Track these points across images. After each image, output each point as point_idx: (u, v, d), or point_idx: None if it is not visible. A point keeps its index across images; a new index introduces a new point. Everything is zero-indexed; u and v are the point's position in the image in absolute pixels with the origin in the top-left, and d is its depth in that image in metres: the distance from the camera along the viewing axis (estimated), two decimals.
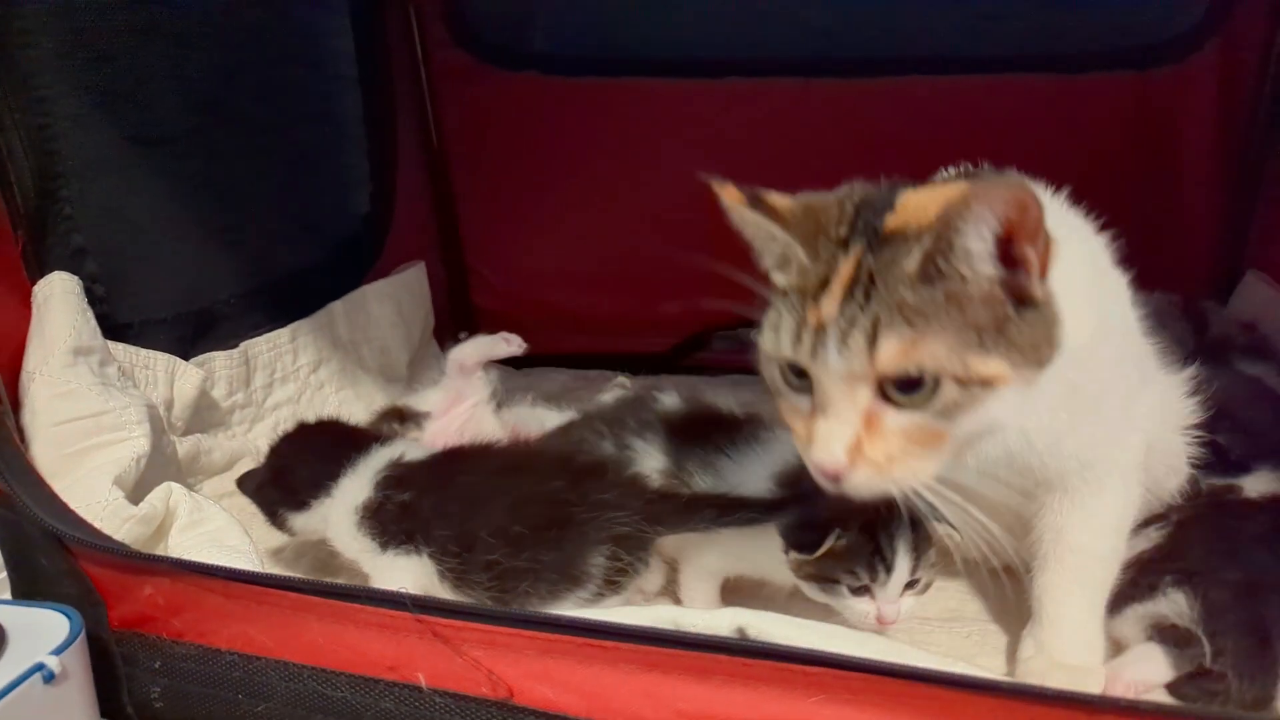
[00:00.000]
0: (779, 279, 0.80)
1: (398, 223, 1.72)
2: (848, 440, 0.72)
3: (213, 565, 0.84)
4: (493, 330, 1.86)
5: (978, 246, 0.71)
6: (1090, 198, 1.61)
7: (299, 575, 0.89)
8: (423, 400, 1.29)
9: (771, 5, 1.64)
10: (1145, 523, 1.02)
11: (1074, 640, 0.90)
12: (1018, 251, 0.72)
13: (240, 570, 0.84)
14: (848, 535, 0.87)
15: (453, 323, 1.87)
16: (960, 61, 1.60)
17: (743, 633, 0.77)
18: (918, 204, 0.75)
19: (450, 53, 1.72)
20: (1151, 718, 0.65)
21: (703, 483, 1.02)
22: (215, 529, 0.94)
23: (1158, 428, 0.96)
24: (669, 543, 1.02)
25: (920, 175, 1.64)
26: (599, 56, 1.73)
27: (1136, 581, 0.93)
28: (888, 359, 0.71)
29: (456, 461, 1.02)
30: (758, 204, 0.80)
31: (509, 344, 1.31)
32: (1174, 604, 0.90)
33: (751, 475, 0.99)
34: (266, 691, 0.81)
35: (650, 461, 1.05)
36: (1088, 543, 0.91)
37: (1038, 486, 0.90)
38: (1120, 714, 0.65)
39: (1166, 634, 0.89)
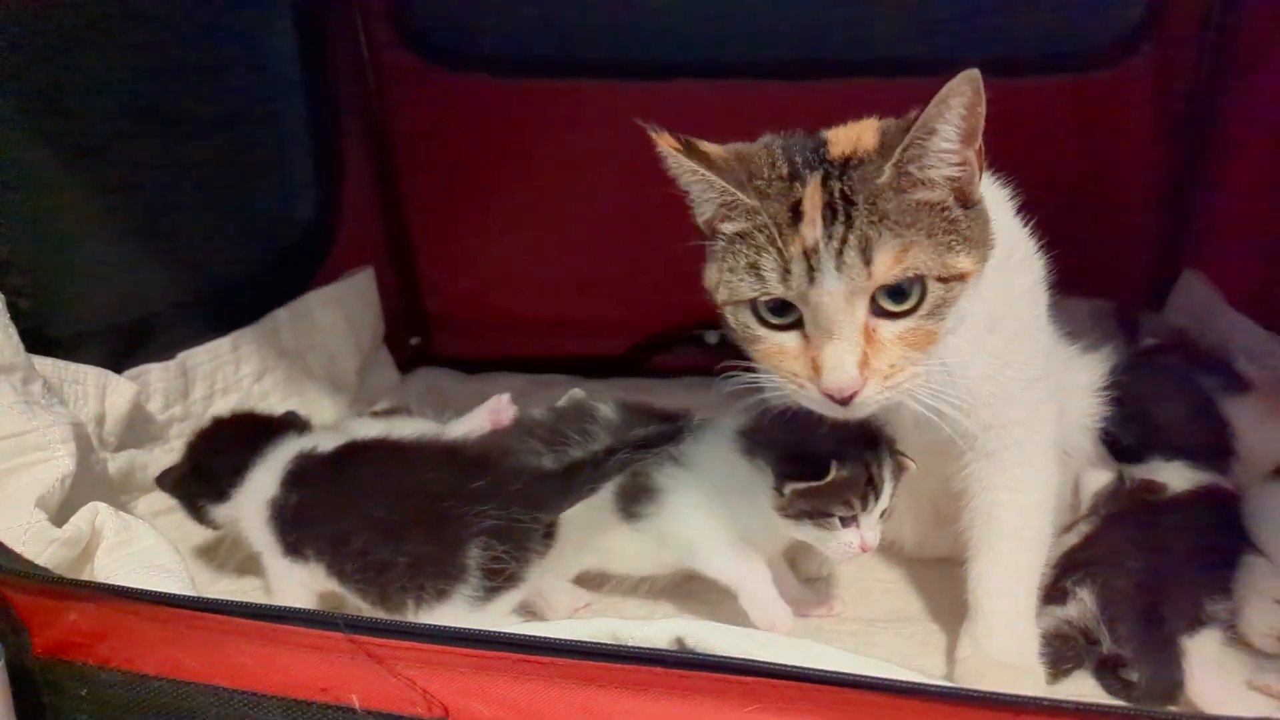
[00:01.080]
0: (727, 227, 0.83)
1: (345, 227, 1.69)
2: (858, 357, 0.77)
3: (140, 589, 0.82)
4: (445, 335, 1.88)
5: (947, 146, 0.78)
6: (1034, 199, 1.64)
7: (227, 598, 0.87)
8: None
9: (721, 8, 1.64)
10: (1075, 522, 1.04)
11: (1009, 637, 0.92)
12: (965, 152, 0.79)
13: (167, 594, 0.81)
14: (847, 466, 0.90)
15: (404, 328, 1.85)
16: (907, 64, 1.60)
17: (682, 643, 0.76)
18: (848, 136, 0.83)
19: (397, 54, 1.69)
20: (1074, 717, 0.65)
21: (663, 482, 1.00)
22: (144, 549, 0.91)
23: (1066, 393, 1.03)
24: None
25: None
26: (549, 58, 1.71)
27: (1056, 581, 0.96)
28: (884, 268, 0.76)
29: (353, 456, 1.01)
30: (693, 152, 0.83)
31: (498, 414, 1.16)
32: (1080, 604, 0.92)
33: (712, 453, 1.00)
34: (196, 717, 0.78)
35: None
36: (1018, 523, 0.94)
37: (963, 440, 0.93)
38: (1042, 713, 0.66)
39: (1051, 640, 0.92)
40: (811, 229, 0.77)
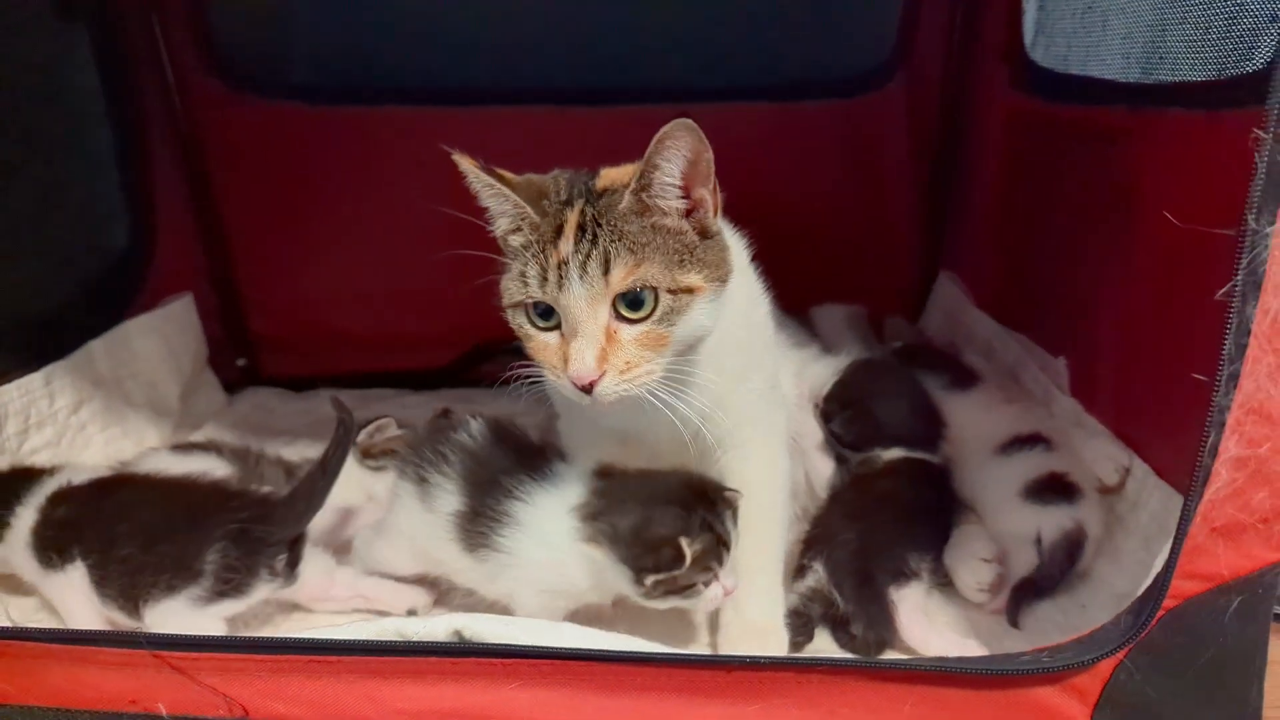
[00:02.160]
0: (514, 240, 0.98)
1: (161, 254, 1.72)
2: (596, 352, 0.92)
3: None
4: (272, 355, 1.92)
5: (669, 180, 0.93)
6: (812, 213, 1.82)
7: (38, 626, 0.93)
8: None
9: (524, 38, 1.75)
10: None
11: (764, 603, 1.07)
12: (694, 193, 0.95)
13: None
14: (697, 538, 0.95)
15: (230, 350, 1.89)
16: (698, 90, 1.77)
17: (460, 635, 0.88)
18: (615, 173, 0.99)
19: (205, 81, 1.73)
20: (767, 672, 0.81)
21: (512, 509, 1.02)
22: None
23: (795, 394, 1.21)
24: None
25: None
26: (360, 86, 1.78)
27: (799, 559, 1.12)
28: (618, 279, 0.92)
29: (125, 481, 1.14)
30: (490, 171, 0.98)
31: None
32: (816, 574, 1.09)
33: (552, 534, 1.01)
34: None
35: (447, 502, 1.06)
36: (766, 503, 1.10)
37: (714, 439, 1.08)
38: (748, 670, 0.82)
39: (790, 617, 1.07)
40: (566, 244, 0.93)
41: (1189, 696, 0.88)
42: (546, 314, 0.95)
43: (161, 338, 1.65)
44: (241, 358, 1.90)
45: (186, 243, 1.79)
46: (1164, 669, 0.86)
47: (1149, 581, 0.83)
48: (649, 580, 0.94)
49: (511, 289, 0.96)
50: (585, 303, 0.92)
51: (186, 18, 1.68)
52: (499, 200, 0.97)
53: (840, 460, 1.27)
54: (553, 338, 0.96)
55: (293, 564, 1.06)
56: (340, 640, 0.84)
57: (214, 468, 1.25)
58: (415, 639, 0.86)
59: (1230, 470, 0.81)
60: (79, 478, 1.15)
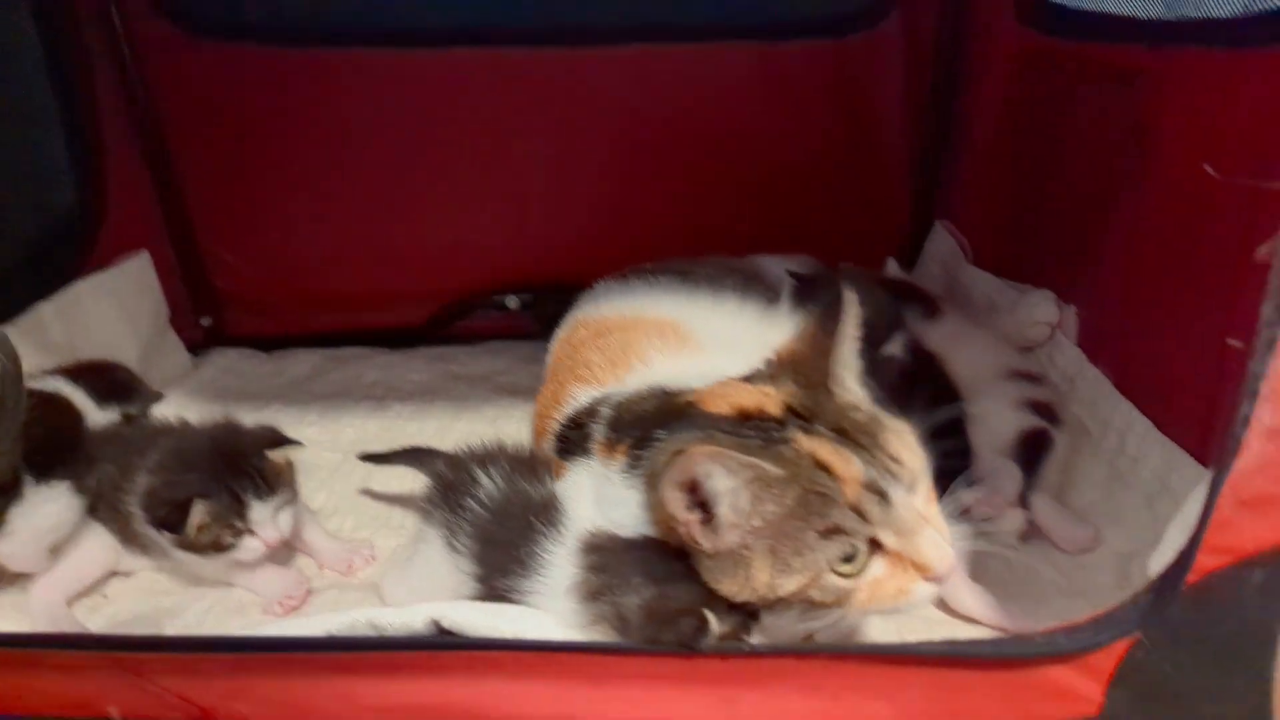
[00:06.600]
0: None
1: (113, 211, 1.61)
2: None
3: None
4: (238, 314, 1.83)
5: None
6: (800, 159, 1.74)
7: None
8: None
9: None
10: None
11: None
12: None
13: None
14: None
15: (193, 309, 1.80)
16: (678, 30, 1.66)
17: (438, 624, 0.82)
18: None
19: (153, 24, 1.60)
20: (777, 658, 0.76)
21: (509, 584, 0.89)
22: None
23: None
24: None
25: (646, 135, 1.70)
26: (321, 26, 1.66)
27: None
28: None
29: None
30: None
31: None
32: None
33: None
34: None
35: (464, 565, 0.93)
36: None
37: None
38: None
39: None
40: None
41: (1206, 672, 0.84)
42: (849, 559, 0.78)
43: (116, 299, 1.56)
44: (206, 317, 1.81)
45: (141, 198, 1.68)
46: (1181, 645, 0.82)
47: (1172, 558, 0.78)
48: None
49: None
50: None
51: None
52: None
53: None
54: (877, 568, 0.79)
55: None
56: (306, 638, 0.78)
57: None
58: (390, 632, 0.80)
59: (1262, 442, 0.75)
60: None
